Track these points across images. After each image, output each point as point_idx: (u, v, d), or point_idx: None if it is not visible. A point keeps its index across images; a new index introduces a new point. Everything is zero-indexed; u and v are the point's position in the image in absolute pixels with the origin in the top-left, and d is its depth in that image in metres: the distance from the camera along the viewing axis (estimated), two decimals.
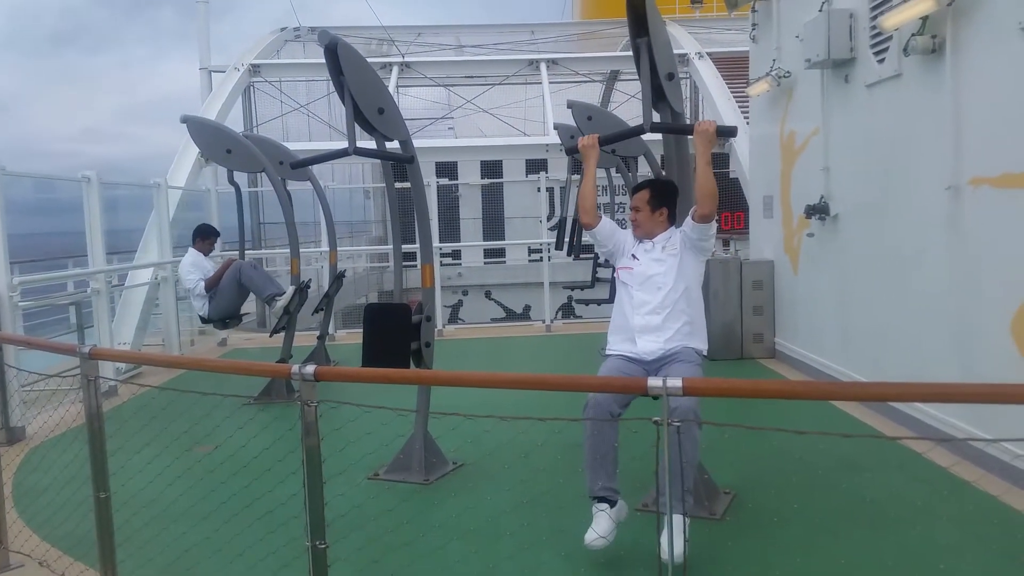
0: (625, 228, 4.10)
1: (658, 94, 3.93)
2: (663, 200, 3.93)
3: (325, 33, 4.19)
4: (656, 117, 4.01)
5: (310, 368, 2.44)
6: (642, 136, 7.49)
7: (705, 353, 3.86)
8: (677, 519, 2.91)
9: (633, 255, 3.91)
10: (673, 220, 3.96)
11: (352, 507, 3.90)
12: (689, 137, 3.98)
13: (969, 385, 1.83)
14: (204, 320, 7.45)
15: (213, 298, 7.18)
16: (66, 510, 3.74)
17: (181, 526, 3.73)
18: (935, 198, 4.92)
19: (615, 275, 4.04)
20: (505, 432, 4.93)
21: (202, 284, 7.19)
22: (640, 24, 3.83)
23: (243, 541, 3.41)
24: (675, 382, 2.00)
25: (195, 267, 7.31)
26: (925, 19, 4.92)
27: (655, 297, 3.77)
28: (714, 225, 3.79)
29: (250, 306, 11.92)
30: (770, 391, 1.98)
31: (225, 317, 7.34)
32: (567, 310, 14.47)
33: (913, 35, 4.99)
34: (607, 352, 3.91)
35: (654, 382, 2.03)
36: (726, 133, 3.83)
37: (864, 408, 5.68)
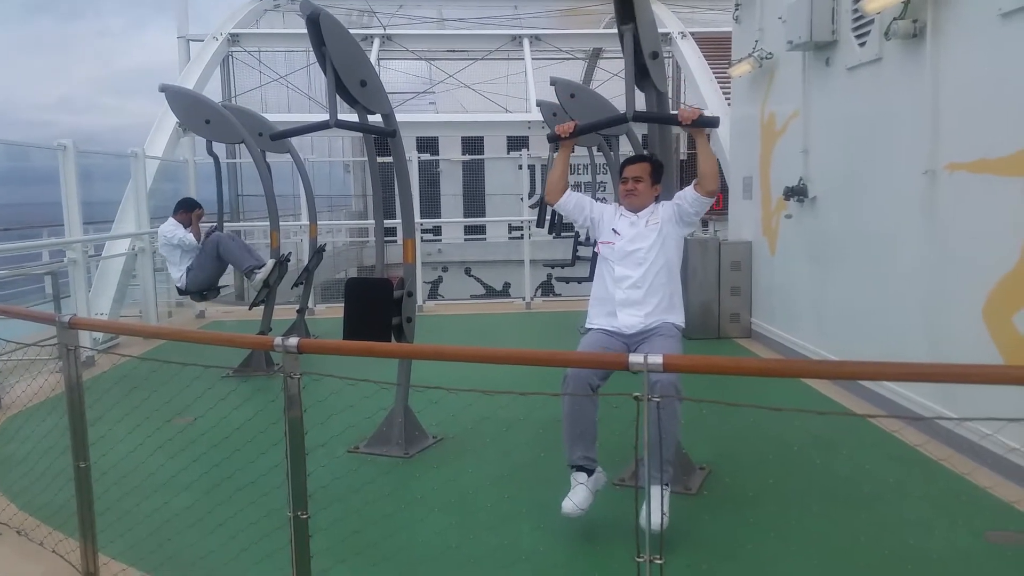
0: (604, 203, 4.14)
1: (642, 73, 3.94)
2: (659, 178, 3.97)
3: (307, 3, 4.15)
4: (639, 105, 4.00)
5: (293, 340, 2.45)
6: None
7: (683, 327, 3.94)
8: (655, 490, 3.00)
9: (614, 230, 3.94)
10: (659, 199, 4.01)
11: (333, 479, 3.92)
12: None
13: (939, 365, 1.89)
14: (181, 292, 7.42)
15: (191, 270, 7.14)
16: (44, 480, 3.73)
17: (162, 496, 3.73)
18: (912, 182, 4.99)
19: (596, 249, 4.07)
20: (485, 407, 4.95)
21: (190, 237, 7.14)
22: (626, 8, 3.82)
23: (224, 512, 3.43)
24: (656, 358, 2.04)
25: (177, 231, 7.29)
26: (907, 3, 4.95)
27: (636, 272, 3.82)
28: (710, 202, 3.86)
29: (228, 278, 11.87)
30: (748, 368, 2.02)
31: (202, 289, 7.30)
32: (546, 288, 14.52)
33: (894, 19, 5.03)
34: (587, 326, 3.96)
35: (635, 358, 2.06)
36: (707, 123, 3.81)
37: (837, 387, 5.79)
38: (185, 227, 7.43)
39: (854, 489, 3.98)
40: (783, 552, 3.37)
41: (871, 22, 5.51)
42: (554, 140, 4.04)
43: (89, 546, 3.10)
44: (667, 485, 3.33)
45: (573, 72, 17.51)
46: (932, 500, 3.85)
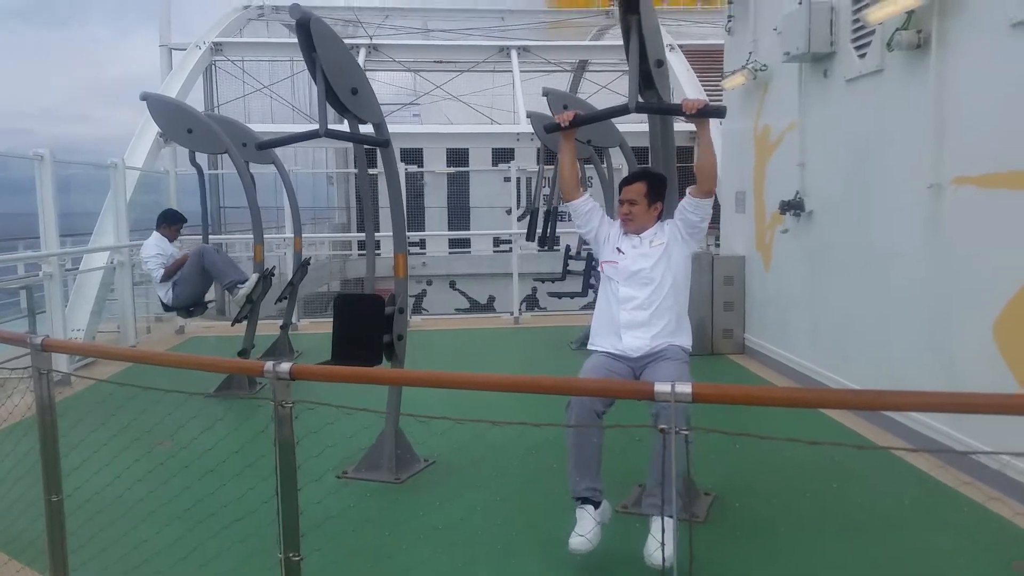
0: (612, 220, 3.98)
1: (646, 81, 3.79)
2: (659, 194, 3.80)
3: (297, 7, 3.97)
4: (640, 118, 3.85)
5: (285, 366, 2.26)
6: (619, 128, 7.36)
7: (690, 350, 3.77)
8: (668, 522, 2.85)
9: (618, 248, 3.78)
10: (662, 215, 3.85)
11: (317, 507, 3.69)
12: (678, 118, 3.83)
13: (992, 396, 1.72)
14: (167, 308, 7.16)
15: (177, 285, 6.90)
16: (15, 510, 3.49)
17: (141, 532, 3.43)
18: (915, 196, 4.87)
19: (599, 269, 3.90)
20: (477, 426, 4.79)
21: (162, 271, 6.90)
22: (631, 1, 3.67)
23: (207, 544, 3.21)
24: (684, 388, 1.87)
25: (159, 253, 7.01)
26: (910, 14, 4.85)
27: (642, 292, 3.65)
28: (711, 204, 3.71)
29: (212, 293, 11.61)
30: (782, 399, 1.86)
31: (189, 305, 7.03)
32: (531, 301, 14.35)
33: (897, 29, 4.92)
34: (591, 347, 3.80)
35: (662, 387, 1.90)
36: (713, 113, 3.61)
37: (849, 412, 5.60)
38: (170, 241, 7.19)
39: (871, 517, 3.80)
40: None
41: (872, 33, 5.41)
42: (553, 130, 3.88)
43: None
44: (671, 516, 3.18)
45: (559, 85, 17.43)
46: (954, 529, 3.68)
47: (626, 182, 3.86)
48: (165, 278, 6.89)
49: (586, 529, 3.26)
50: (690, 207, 3.67)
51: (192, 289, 6.93)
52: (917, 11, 4.81)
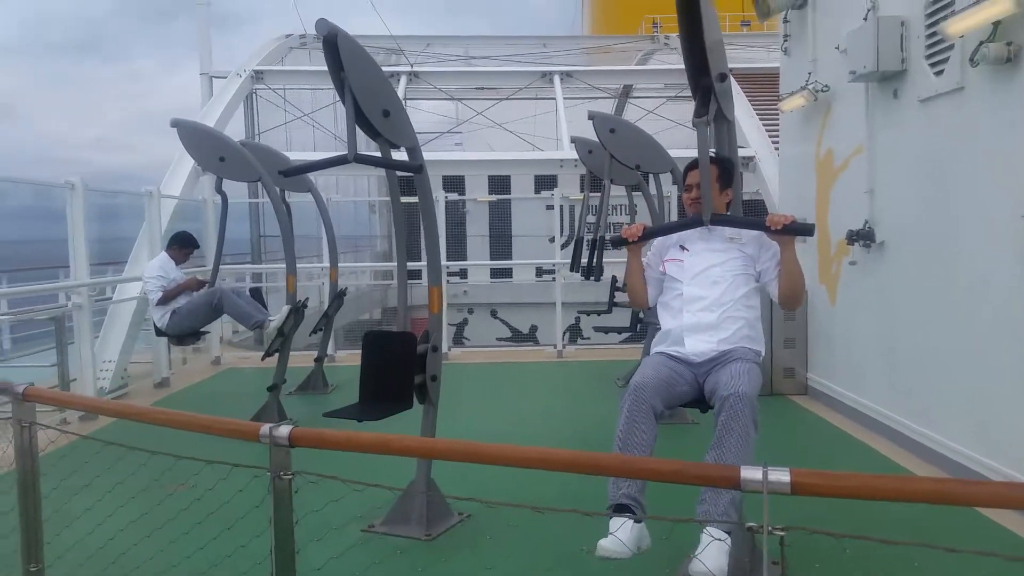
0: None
1: (706, 98, 3.40)
2: (729, 180, 3.44)
3: (324, 22, 3.66)
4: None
5: (284, 430, 1.88)
6: (671, 153, 6.95)
7: (762, 354, 3.33)
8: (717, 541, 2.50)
9: (682, 246, 3.38)
10: (731, 206, 3.51)
11: (342, 569, 3.31)
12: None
13: None
14: (159, 333, 6.93)
15: (176, 313, 6.67)
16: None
17: None
18: (1006, 225, 4.37)
19: (661, 271, 3.49)
20: (518, 480, 4.37)
21: (159, 295, 6.69)
22: (703, 93, 3.34)
23: None
24: (781, 476, 1.44)
25: (160, 275, 6.81)
26: (997, 24, 4.39)
27: (711, 292, 3.25)
28: None
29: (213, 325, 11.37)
30: (919, 494, 1.40)
31: (184, 334, 6.81)
32: (574, 332, 13.90)
33: (982, 43, 4.45)
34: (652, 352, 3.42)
35: (750, 474, 1.47)
36: (801, 231, 3.19)
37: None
38: (178, 263, 7.03)
39: None
40: None
41: (950, 47, 4.94)
42: (619, 244, 3.48)
43: None
44: (728, 535, 2.65)
45: (603, 110, 17.10)
46: None
47: (693, 166, 3.43)
48: (162, 302, 6.68)
49: (619, 533, 2.73)
50: (765, 289, 3.39)
51: (191, 322, 6.75)
52: (1005, 21, 4.34)
